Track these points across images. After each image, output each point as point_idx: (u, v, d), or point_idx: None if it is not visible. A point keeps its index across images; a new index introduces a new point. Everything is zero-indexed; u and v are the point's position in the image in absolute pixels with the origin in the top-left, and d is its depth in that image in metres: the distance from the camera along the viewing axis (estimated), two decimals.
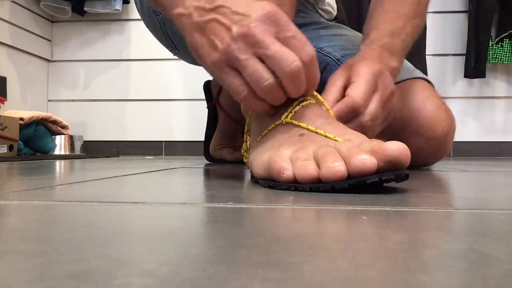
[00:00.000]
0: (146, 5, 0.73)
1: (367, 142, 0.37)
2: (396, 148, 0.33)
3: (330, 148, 0.36)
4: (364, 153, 0.33)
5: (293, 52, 0.39)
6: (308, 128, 0.41)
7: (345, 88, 0.55)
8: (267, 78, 0.40)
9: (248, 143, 0.50)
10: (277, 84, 0.40)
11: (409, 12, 0.64)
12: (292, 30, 0.40)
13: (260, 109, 0.43)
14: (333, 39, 0.79)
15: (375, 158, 0.33)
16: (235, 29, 0.39)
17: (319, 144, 0.38)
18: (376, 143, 0.35)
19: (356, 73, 0.55)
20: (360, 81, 0.54)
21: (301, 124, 0.41)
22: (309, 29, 0.82)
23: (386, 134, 0.70)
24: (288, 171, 0.37)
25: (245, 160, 0.50)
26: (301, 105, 0.43)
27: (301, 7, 0.83)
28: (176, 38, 0.75)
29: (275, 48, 0.39)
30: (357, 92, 0.53)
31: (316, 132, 0.40)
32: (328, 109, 0.48)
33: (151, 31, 0.79)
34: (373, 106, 0.54)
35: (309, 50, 0.40)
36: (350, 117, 0.53)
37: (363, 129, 0.53)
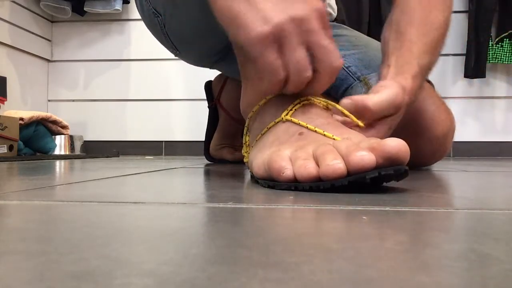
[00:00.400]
0: (146, 7, 0.73)
1: (366, 140, 0.37)
2: (395, 145, 0.33)
3: (329, 146, 0.36)
4: (363, 150, 0.33)
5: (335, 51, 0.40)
6: (307, 127, 0.41)
7: None
8: (310, 70, 0.40)
9: (247, 144, 0.50)
10: (315, 78, 0.41)
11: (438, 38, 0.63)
12: (329, 34, 0.41)
13: (274, 92, 0.44)
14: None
15: (374, 155, 0.33)
16: (292, 10, 0.38)
17: (318, 143, 0.38)
18: (375, 141, 0.35)
19: (380, 90, 0.53)
20: (380, 99, 0.52)
21: (301, 122, 0.42)
22: None
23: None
24: (288, 171, 0.37)
25: (245, 161, 0.50)
26: (301, 103, 0.44)
27: None
28: (176, 39, 0.75)
29: (329, 40, 0.40)
30: (373, 98, 0.52)
31: (315, 131, 0.40)
32: (331, 106, 0.48)
33: (151, 31, 0.79)
34: (381, 130, 0.54)
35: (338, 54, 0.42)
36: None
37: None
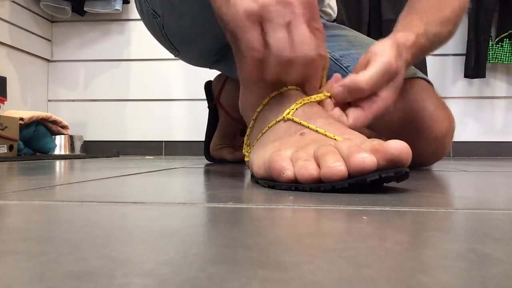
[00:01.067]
0: (145, 8, 0.73)
1: (368, 141, 0.37)
2: (397, 146, 0.33)
3: (330, 147, 0.36)
4: (364, 151, 0.33)
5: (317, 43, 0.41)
6: (308, 127, 0.41)
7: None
8: (288, 51, 0.40)
9: (248, 143, 0.50)
10: (291, 62, 0.41)
11: (450, 16, 0.63)
12: (320, 24, 0.42)
13: (254, 76, 0.44)
14: (332, 40, 0.79)
15: (376, 157, 0.33)
16: None
17: (319, 143, 0.38)
18: (377, 142, 0.35)
19: (373, 59, 0.53)
20: (374, 68, 0.52)
21: (302, 122, 0.42)
22: None
23: (385, 134, 0.70)
24: (288, 171, 0.37)
25: (246, 160, 0.50)
26: (303, 103, 0.44)
27: None
28: (175, 39, 0.75)
29: (307, 29, 0.40)
30: (363, 76, 0.51)
31: (317, 131, 0.40)
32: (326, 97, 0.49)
33: (151, 32, 0.79)
34: (388, 96, 0.53)
35: (325, 47, 0.42)
36: (349, 98, 0.51)
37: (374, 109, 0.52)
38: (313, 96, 0.46)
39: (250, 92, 0.49)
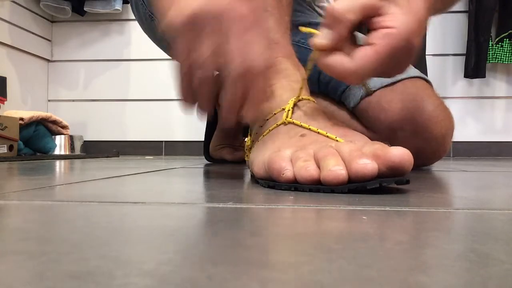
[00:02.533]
0: (142, 10, 0.73)
1: (370, 144, 0.36)
2: (399, 154, 0.33)
3: (331, 150, 0.36)
4: (366, 157, 0.33)
5: (253, 54, 0.36)
6: (309, 128, 0.41)
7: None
8: (208, 70, 0.36)
9: (249, 145, 0.51)
10: (211, 81, 0.37)
11: None
12: (260, 34, 0.37)
13: (185, 96, 0.39)
14: None
15: (378, 163, 0.33)
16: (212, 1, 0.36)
17: (320, 144, 0.38)
18: (379, 146, 0.35)
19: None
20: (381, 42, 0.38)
21: (303, 124, 0.41)
22: None
23: (385, 134, 0.70)
24: (288, 172, 0.37)
25: (246, 159, 0.50)
26: (303, 104, 0.44)
27: (297, 7, 0.83)
28: None
29: (240, 42, 0.35)
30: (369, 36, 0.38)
31: (318, 133, 0.40)
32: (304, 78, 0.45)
33: (148, 35, 0.79)
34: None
35: (265, 58, 0.37)
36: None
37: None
38: (312, 98, 0.46)
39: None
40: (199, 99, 0.39)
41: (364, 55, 0.37)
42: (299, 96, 0.44)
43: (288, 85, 0.47)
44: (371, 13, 0.38)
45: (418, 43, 0.39)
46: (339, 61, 0.38)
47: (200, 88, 0.38)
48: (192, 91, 0.39)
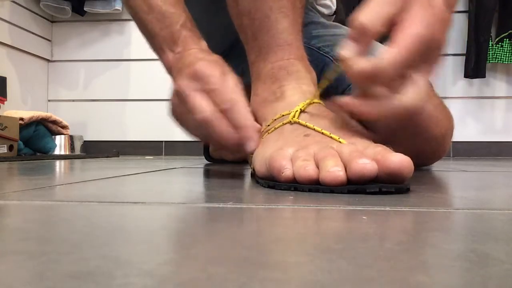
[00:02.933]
0: None
1: (372, 147, 0.36)
2: (398, 161, 0.33)
3: (331, 150, 0.36)
4: (366, 157, 0.33)
5: (207, 103, 0.45)
6: (314, 129, 0.41)
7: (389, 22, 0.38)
8: (201, 112, 0.46)
9: None
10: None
11: None
12: (214, 83, 0.46)
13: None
14: (331, 39, 0.79)
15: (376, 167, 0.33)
16: (188, 68, 0.49)
17: (321, 144, 0.38)
18: (380, 149, 0.35)
19: (409, 19, 0.38)
20: (406, 41, 0.37)
21: (308, 124, 0.42)
22: (307, 29, 0.81)
23: (384, 133, 0.70)
24: (287, 170, 0.37)
25: (249, 156, 0.50)
26: (309, 105, 0.44)
27: None
28: None
29: (193, 98, 0.46)
30: (392, 57, 0.37)
31: (322, 133, 0.40)
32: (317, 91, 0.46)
33: None
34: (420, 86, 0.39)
35: (229, 98, 0.45)
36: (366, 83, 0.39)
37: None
38: (319, 100, 0.46)
39: (263, 92, 0.49)
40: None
41: (390, 54, 0.37)
42: (311, 100, 0.45)
43: (298, 87, 0.47)
44: (396, 20, 0.38)
45: (442, 39, 0.40)
46: (368, 62, 0.38)
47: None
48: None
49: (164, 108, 2.15)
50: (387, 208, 0.27)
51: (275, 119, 0.45)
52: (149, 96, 1.91)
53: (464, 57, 1.75)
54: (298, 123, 0.42)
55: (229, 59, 0.76)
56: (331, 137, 0.40)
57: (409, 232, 0.21)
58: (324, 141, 0.39)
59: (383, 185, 0.33)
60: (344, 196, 0.32)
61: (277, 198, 0.32)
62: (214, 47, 0.74)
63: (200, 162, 1.05)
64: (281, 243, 0.17)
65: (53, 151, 1.57)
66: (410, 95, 0.39)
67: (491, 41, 1.71)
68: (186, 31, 0.53)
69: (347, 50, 0.39)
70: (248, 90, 0.51)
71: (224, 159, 1.01)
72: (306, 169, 0.35)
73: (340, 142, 0.39)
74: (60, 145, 1.62)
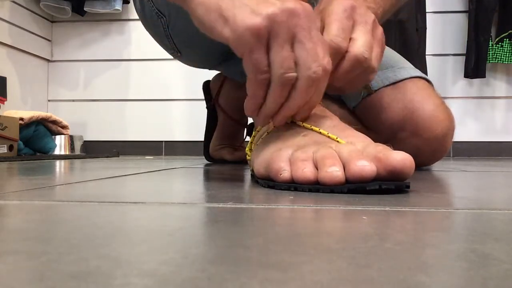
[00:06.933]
0: (148, 7, 0.73)
1: (372, 146, 0.36)
2: (400, 159, 0.33)
3: (330, 151, 0.36)
4: (365, 159, 0.33)
5: (323, 58, 0.37)
6: (312, 129, 0.41)
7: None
8: (293, 71, 0.37)
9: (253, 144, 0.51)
10: (295, 83, 0.38)
11: None
12: (320, 35, 0.39)
13: (254, 103, 0.40)
14: None
15: (378, 166, 0.33)
16: (282, 3, 0.36)
17: (320, 144, 0.38)
18: (381, 149, 0.35)
19: (327, 14, 0.47)
20: (332, 19, 0.46)
21: (305, 124, 0.42)
22: None
23: (386, 133, 0.70)
24: (286, 173, 0.37)
25: (248, 158, 0.50)
26: None
27: None
28: (179, 40, 0.74)
29: (313, 44, 0.37)
30: (331, 30, 0.45)
31: (320, 133, 0.40)
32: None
33: (151, 33, 0.78)
34: (361, 36, 0.46)
35: (329, 60, 0.39)
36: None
37: (362, 67, 0.46)
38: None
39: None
40: (272, 102, 0.39)
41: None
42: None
43: None
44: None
45: (369, 61, 0.46)
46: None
47: (277, 92, 0.38)
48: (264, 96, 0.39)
49: (164, 108, 2.13)
50: (387, 208, 0.27)
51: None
52: (149, 96, 1.91)
53: (464, 57, 1.75)
54: (295, 123, 0.42)
55: (230, 58, 0.76)
56: (329, 136, 0.40)
57: (409, 232, 0.21)
58: (322, 141, 0.39)
59: (383, 182, 0.33)
60: (344, 196, 0.32)
61: (277, 198, 0.32)
62: (218, 46, 0.74)
63: (200, 162, 1.05)
64: (281, 243, 0.17)
65: (53, 151, 1.57)
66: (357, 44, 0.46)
67: (491, 41, 1.71)
68: None
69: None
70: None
71: (224, 159, 1.01)
72: (304, 171, 0.35)
73: (338, 142, 0.39)
74: (60, 145, 1.62)
